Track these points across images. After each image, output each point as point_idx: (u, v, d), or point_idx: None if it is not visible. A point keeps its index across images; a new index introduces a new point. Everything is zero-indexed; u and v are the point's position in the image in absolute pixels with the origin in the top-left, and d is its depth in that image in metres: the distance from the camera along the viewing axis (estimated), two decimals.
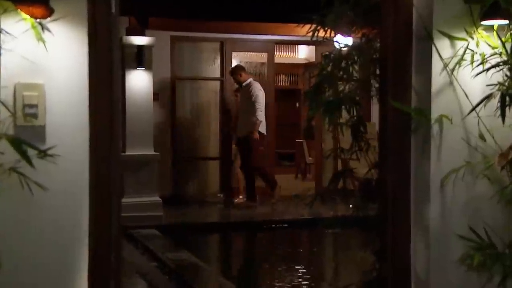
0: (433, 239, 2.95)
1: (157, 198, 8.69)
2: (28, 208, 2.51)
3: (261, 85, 9.83)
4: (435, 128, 2.93)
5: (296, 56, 13.36)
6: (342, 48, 3.69)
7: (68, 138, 2.64)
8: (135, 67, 8.56)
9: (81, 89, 2.66)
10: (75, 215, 2.63)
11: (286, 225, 8.89)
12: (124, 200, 8.39)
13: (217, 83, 10.72)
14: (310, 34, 3.61)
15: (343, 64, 3.48)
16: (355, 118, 3.61)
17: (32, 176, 2.44)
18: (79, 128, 2.65)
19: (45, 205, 2.54)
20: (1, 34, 2.45)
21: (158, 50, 9.34)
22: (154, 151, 8.84)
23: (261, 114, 9.49)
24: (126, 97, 8.56)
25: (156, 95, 9.91)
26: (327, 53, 3.56)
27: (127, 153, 8.54)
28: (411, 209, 3.04)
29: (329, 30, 3.67)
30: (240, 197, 10.13)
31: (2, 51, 2.48)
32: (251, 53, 11.33)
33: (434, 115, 2.93)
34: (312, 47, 11.50)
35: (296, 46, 13.31)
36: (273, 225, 8.90)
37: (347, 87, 3.58)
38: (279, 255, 7.78)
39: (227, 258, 8.22)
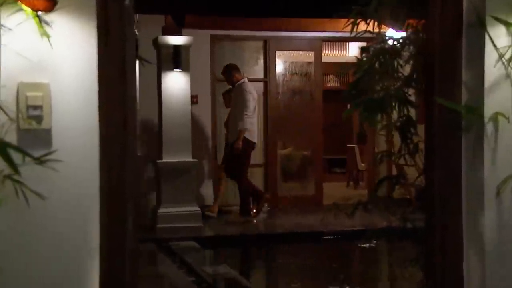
0: (489, 252, 2.77)
1: (196, 208, 8.62)
2: (28, 219, 2.42)
3: (307, 85, 9.68)
4: (489, 127, 2.75)
5: (347, 54, 13.11)
6: (385, 41, 3.53)
7: (76, 142, 2.54)
8: (171, 69, 8.52)
9: (90, 88, 2.57)
10: (83, 228, 2.53)
11: (333, 236, 8.67)
12: (161, 210, 8.40)
13: (260, 84, 10.62)
14: (350, 27, 3.48)
15: (383, 59, 3.31)
16: (403, 118, 3.45)
17: (35, 184, 2.34)
18: (88, 131, 2.56)
19: (48, 216, 2.45)
20: (0, 29, 2.37)
21: (197, 50, 9.30)
22: (193, 157, 8.78)
23: (247, 122, 8.93)
24: (162, 100, 8.54)
25: (195, 97, 9.95)
26: (367, 46, 3.39)
27: (164, 160, 8.51)
28: (462, 218, 2.85)
29: (372, 23, 3.52)
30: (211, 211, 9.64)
31: (2, 47, 2.40)
32: (297, 51, 11.16)
33: (488, 112, 2.75)
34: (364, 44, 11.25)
35: (346, 43, 13.07)
36: (319, 237, 8.70)
37: (392, 83, 3.40)
38: (324, 269, 7.58)
39: (269, 273, 8.07)
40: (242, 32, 10.30)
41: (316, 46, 10.82)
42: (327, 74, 14.33)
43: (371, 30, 3.54)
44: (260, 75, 10.63)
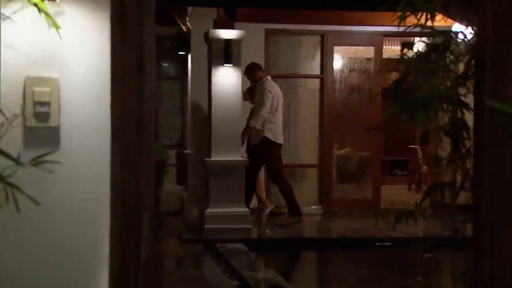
0: None
1: (245, 209, 8.49)
2: (26, 224, 2.31)
3: (366, 82, 9.42)
4: None
5: (411, 50, 12.72)
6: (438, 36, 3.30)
7: (86, 142, 2.43)
8: (222, 64, 8.40)
9: (102, 83, 2.45)
10: (90, 235, 2.41)
11: (390, 243, 8.38)
12: (209, 210, 8.32)
13: (317, 81, 10.41)
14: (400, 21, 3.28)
15: (436, 55, 3.09)
16: (455, 121, 3.21)
17: (34, 187, 2.23)
18: (100, 130, 2.44)
19: (50, 222, 2.34)
20: (1, 20, 2.27)
21: (250, 44, 9.17)
22: (243, 156, 8.66)
23: (259, 120, 8.87)
24: (212, 96, 8.43)
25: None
26: (410, 41, 3.16)
27: (212, 158, 8.41)
28: None
29: (425, 16, 3.32)
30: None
31: (7, 40, 2.31)
32: (356, 47, 10.89)
33: None
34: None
35: (411, 38, 12.68)
36: (374, 243, 8.42)
37: (441, 82, 3.17)
38: (378, 279, 7.31)
39: (319, 281, 7.87)
40: (299, 26, 10.10)
41: (377, 41, 10.52)
42: (389, 71, 13.97)
43: (423, 23, 3.33)
44: (317, 71, 10.42)
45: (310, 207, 10.10)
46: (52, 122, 2.40)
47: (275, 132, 9.06)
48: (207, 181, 8.52)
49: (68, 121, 2.42)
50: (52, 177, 2.32)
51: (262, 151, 9.00)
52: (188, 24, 10.11)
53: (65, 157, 2.36)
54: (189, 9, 9.89)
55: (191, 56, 10.01)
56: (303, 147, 10.47)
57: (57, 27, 2.37)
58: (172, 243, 8.13)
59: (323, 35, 10.31)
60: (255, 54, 9.77)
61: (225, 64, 8.41)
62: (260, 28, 9.86)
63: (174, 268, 7.64)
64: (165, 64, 12.32)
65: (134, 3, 2.54)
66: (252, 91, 9.39)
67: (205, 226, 8.34)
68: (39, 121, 2.37)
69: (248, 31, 8.71)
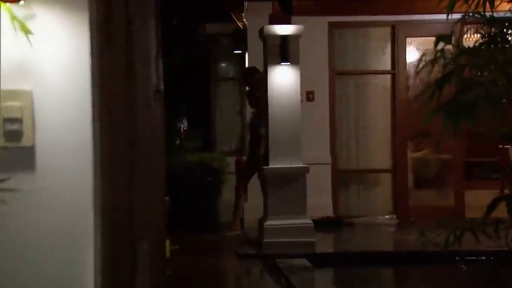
0: None
1: (307, 221, 8.22)
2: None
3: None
4: None
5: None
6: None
7: (65, 162, 2.25)
8: (278, 62, 8.17)
9: (83, 95, 2.27)
10: (71, 268, 2.23)
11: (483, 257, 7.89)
12: (268, 222, 8.11)
13: (388, 77, 10.07)
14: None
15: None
16: None
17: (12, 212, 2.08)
18: (81, 148, 2.26)
19: (24, 256, 2.16)
20: None
21: (311, 40, 8.96)
22: (304, 162, 8.40)
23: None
24: (269, 98, 8.23)
25: (311, 94, 9.62)
26: (447, 34, 2.87)
27: (270, 166, 8.20)
28: None
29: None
30: None
31: None
32: (432, 38, 10.46)
33: None
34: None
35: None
36: (462, 258, 7.96)
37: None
38: None
39: None
40: (366, 17, 9.80)
41: (455, 31, 10.06)
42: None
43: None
44: (387, 66, 10.07)
45: (384, 217, 9.78)
46: (25, 142, 2.23)
47: None
48: (265, 191, 8.33)
49: (45, 138, 2.25)
50: (27, 202, 2.17)
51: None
52: (244, 20, 9.96)
53: (41, 180, 2.19)
54: (246, 4, 9.74)
55: (248, 55, 9.85)
56: (374, 150, 10.14)
57: (28, 32, 2.21)
58: (227, 259, 7.98)
59: (393, 26, 9.97)
60: (317, 50, 9.55)
61: (282, 63, 8.18)
62: (322, 21, 9.62)
63: (230, 287, 7.49)
64: (222, 65, 12.21)
65: (121, 2, 2.36)
66: (252, 95, 9.16)
67: (264, 240, 8.14)
68: (10, 141, 2.21)
69: (308, 25, 8.48)
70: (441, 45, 2.94)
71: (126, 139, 2.33)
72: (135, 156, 2.36)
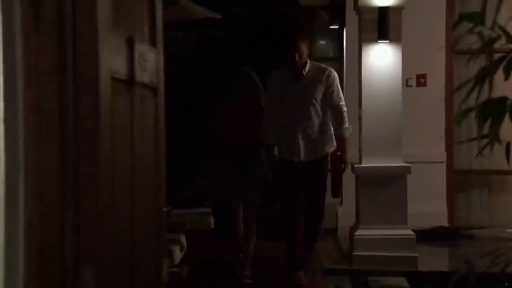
0: None
1: (408, 232, 8.07)
2: None
3: None
4: None
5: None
6: None
7: None
8: (375, 40, 8.03)
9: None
10: None
11: None
12: (359, 232, 8.04)
13: None
14: None
15: None
16: None
17: None
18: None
19: None
20: None
21: (423, 10, 8.78)
22: (412, 160, 8.23)
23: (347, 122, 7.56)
24: (362, 83, 8.12)
25: (423, 78, 9.51)
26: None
27: (363, 164, 8.09)
28: None
29: None
30: None
31: None
32: None
33: None
34: None
35: None
36: None
37: None
38: None
39: None
40: None
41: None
42: None
43: None
44: None
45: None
46: None
47: None
48: (357, 195, 8.22)
49: None
50: None
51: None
52: None
53: None
54: None
55: (345, 32, 9.75)
56: (499, 147, 9.77)
57: None
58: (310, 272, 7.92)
59: None
60: (430, 23, 9.33)
61: (379, 41, 8.03)
62: None
63: None
64: (321, 42, 12.06)
65: None
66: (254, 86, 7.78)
67: (354, 253, 8.05)
68: None
69: None
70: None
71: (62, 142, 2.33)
72: (64, 163, 2.35)
